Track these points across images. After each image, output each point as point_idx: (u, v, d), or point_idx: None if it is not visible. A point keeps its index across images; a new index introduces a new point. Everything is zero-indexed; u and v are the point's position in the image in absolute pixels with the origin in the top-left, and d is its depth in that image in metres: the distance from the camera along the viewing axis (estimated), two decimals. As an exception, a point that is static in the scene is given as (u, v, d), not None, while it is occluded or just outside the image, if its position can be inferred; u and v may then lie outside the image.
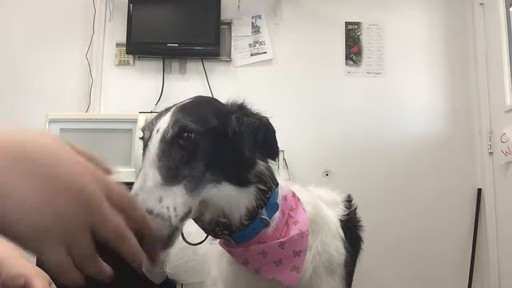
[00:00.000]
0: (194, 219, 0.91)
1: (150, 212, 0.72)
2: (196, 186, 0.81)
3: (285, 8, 3.03)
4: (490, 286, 2.69)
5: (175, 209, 0.76)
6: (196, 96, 0.96)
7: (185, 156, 0.81)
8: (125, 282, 2.08)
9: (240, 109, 0.95)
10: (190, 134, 0.82)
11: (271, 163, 0.98)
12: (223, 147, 0.87)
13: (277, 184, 0.96)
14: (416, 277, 2.78)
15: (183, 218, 0.78)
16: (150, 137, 0.84)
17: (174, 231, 0.76)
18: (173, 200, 0.76)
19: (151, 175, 0.77)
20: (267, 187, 0.92)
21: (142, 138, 0.90)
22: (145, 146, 0.85)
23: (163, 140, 0.81)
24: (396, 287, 2.79)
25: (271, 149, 0.97)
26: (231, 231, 0.91)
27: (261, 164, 0.93)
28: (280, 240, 0.93)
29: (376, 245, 2.61)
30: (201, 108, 0.90)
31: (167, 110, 0.89)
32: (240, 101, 0.96)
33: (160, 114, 0.88)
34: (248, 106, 0.96)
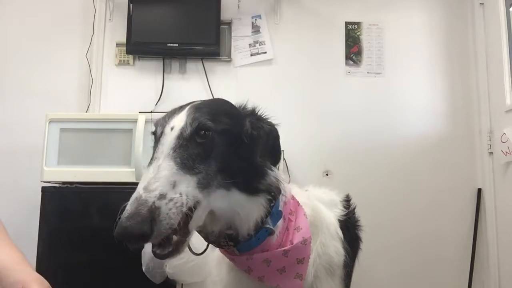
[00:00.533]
0: (198, 230, 0.90)
1: (163, 196, 0.73)
2: (207, 185, 0.81)
3: (285, 8, 3.03)
4: (490, 286, 2.69)
5: (187, 195, 0.76)
6: (210, 99, 0.98)
7: (201, 152, 0.81)
8: (126, 282, 2.09)
9: (253, 114, 0.96)
10: (207, 132, 0.83)
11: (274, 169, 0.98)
12: (236, 149, 0.87)
13: (280, 192, 0.96)
14: (416, 277, 2.78)
15: (192, 208, 0.78)
16: (162, 133, 0.84)
17: (181, 218, 0.75)
18: (186, 188, 0.76)
19: (166, 165, 0.77)
20: (272, 196, 0.93)
21: (153, 133, 0.90)
22: (157, 141, 0.85)
23: (180, 136, 0.82)
24: (396, 287, 2.79)
25: (276, 155, 0.98)
26: (236, 242, 0.91)
27: (271, 175, 0.93)
28: (284, 248, 0.93)
29: (376, 245, 2.61)
30: (217, 109, 0.90)
31: (181, 108, 0.89)
32: (251, 106, 0.98)
33: (174, 112, 0.89)
34: (260, 112, 0.98)
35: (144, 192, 0.73)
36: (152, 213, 0.71)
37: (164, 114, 0.91)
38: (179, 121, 0.84)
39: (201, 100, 0.94)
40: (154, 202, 0.71)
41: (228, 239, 0.91)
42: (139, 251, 1.96)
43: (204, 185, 0.80)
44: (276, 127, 0.98)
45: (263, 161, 0.92)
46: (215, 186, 0.83)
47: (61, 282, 2.07)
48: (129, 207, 0.72)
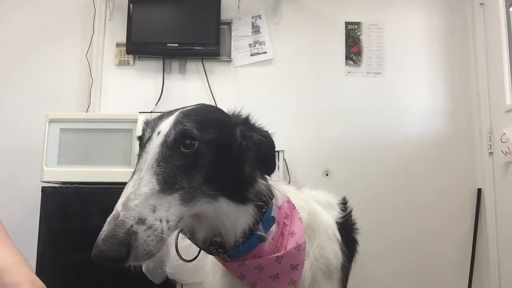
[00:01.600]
0: (188, 237, 0.89)
1: (142, 221, 0.70)
2: (191, 198, 0.78)
3: (285, 8, 3.03)
4: (490, 286, 2.69)
5: (167, 221, 0.73)
6: (200, 104, 0.94)
7: (185, 164, 0.78)
8: (126, 282, 2.08)
9: (245, 123, 0.92)
10: (193, 142, 0.80)
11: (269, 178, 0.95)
12: (224, 159, 0.84)
13: (272, 197, 0.94)
14: (416, 277, 2.78)
15: (173, 230, 0.76)
16: (150, 138, 0.81)
17: (161, 244, 0.73)
18: (167, 212, 0.73)
19: (147, 181, 0.74)
20: (263, 201, 0.90)
21: (140, 138, 0.87)
22: (143, 147, 0.82)
23: (164, 144, 0.79)
24: (396, 287, 2.79)
25: (269, 165, 0.94)
26: (226, 249, 0.89)
27: (261, 183, 0.91)
28: (277, 255, 0.91)
29: (376, 244, 2.61)
30: (206, 117, 0.87)
31: (169, 113, 0.86)
32: (245, 114, 0.94)
33: (163, 116, 0.86)
34: (253, 121, 0.94)
35: (122, 210, 0.70)
36: (129, 237, 0.68)
37: (153, 118, 0.88)
38: (165, 126, 0.81)
39: (192, 106, 0.91)
40: (132, 226, 0.69)
41: (217, 246, 0.89)
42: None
43: (188, 199, 0.77)
44: (270, 136, 0.94)
45: (252, 170, 0.89)
46: (201, 196, 0.80)
47: (61, 282, 2.07)
48: (106, 226, 0.69)
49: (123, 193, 0.74)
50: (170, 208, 0.74)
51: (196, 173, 0.79)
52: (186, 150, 0.79)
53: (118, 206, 0.71)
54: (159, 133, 0.81)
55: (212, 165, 0.81)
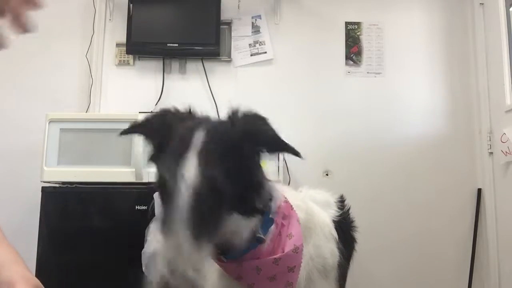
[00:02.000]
0: None
1: (182, 275, 0.73)
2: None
3: (285, 8, 3.03)
4: (490, 286, 2.69)
5: (198, 270, 0.76)
6: (213, 124, 0.88)
7: (215, 218, 0.79)
8: (126, 282, 2.08)
9: (231, 116, 0.89)
10: (221, 193, 0.79)
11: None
12: (243, 190, 0.84)
13: (272, 198, 0.94)
14: (416, 277, 2.78)
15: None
16: (175, 185, 0.76)
17: None
18: (201, 265, 0.77)
19: (185, 238, 0.74)
20: (264, 205, 0.91)
21: (160, 184, 0.81)
22: (167, 195, 0.77)
23: (194, 197, 0.75)
24: (395, 287, 2.79)
25: (283, 148, 0.94)
26: (224, 252, 0.90)
27: (266, 189, 0.91)
28: (275, 257, 0.91)
29: (376, 244, 2.61)
30: (227, 155, 0.81)
31: (185, 145, 0.79)
32: (233, 109, 0.91)
33: (179, 155, 0.78)
34: (236, 109, 0.90)
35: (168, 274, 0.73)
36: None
37: (168, 159, 0.81)
38: (191, 177, 0.76)
39: (203, 136, 0.81)
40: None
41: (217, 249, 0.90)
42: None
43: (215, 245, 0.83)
44: (260, 119, 0.91)
45: (260, 175, 0.89)
46: None
47: (61, 282, 2.07)
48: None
49: (166, 254, 0.74)
50: (203, 261, 0.79)
51: (223, 221, 0.82)
52: (216, 204, 0.79)
53: (162, 268, 0.73)
54: (185, 180, 0.76)
55: (236, 203, 0.82)
